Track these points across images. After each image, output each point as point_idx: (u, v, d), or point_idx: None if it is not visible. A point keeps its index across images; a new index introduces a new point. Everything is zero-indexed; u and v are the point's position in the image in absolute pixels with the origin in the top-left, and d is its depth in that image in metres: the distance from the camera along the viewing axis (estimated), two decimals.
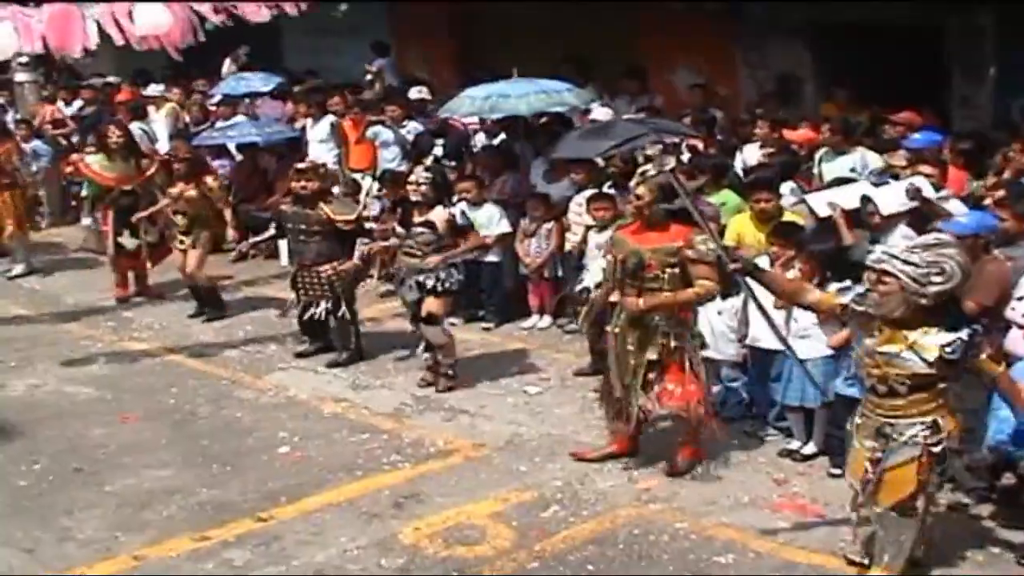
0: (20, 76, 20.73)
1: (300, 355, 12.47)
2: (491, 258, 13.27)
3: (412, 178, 11.64)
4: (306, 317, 12.21)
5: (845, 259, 9.42)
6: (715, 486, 9.20)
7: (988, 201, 10.28)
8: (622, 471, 9.47)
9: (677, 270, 9.05)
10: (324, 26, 19.80)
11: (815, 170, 12.76)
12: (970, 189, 11.19)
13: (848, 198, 10.45)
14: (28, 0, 14.25)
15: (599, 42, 17.92)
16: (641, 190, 9.14)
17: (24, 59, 19.12)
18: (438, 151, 15.23)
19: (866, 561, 7.50)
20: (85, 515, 9.01)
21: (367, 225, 12.37)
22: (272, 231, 12.87)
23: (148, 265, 14.88)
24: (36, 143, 18.34)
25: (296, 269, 12.25)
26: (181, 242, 13.88)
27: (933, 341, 7.01)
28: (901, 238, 9.63)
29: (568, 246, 12.81)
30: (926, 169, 10.64)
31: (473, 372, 11.76)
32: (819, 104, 16.16)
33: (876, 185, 10.73)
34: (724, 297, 9.60)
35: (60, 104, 20.63)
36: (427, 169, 12.17)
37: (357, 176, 15.94)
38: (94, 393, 11.70)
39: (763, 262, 9.73)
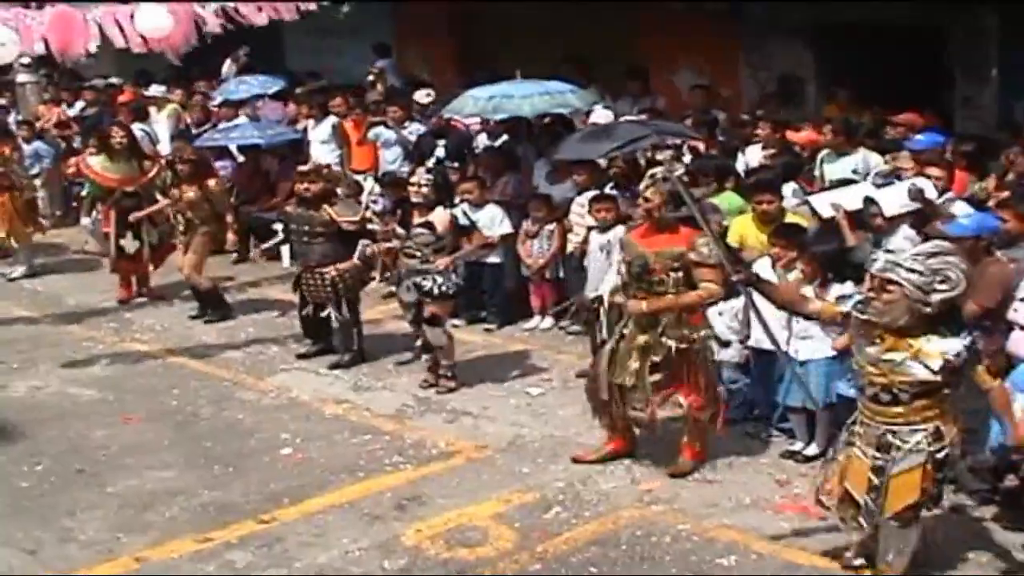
0: (22, 77, 20.73)
1: (302, 356, 12.47)
2: (493, 259, 13.26)
3: (413, 179, 11.66)
4: (319, 315, 12.22)
5: (847, 260, 9.42)
6: (717, 487, 9.20)
7: (991, 203, 10.28)
8: (624, 472, 9.47)
9: (681, 274, 9.05)
10: (325, 27, 19.78)
11: (817, 171, 12.75)
12: (972, 191, 11.18)
13: (851, 199, 10.46)
14: (30, 2, 14.27)
15: (599, 42, 17.92)
16: (650, 193, 9.15)
17: (26, 60, 19.09)
18: (440, 152, 15.21)
19: (862, 561, 7.53)
20: (87, 516, 9.01)
21: (370, 226, 12.34)
22: (281, 235, 12.87)
23: (150, 267, 14.87)
24: (38, 144, 18.31)
25: (300, 271, 12.25)
26: (183, 243, 13.87)
27: (936, 348, 7.02)
28: (903, 239, 9.64)
29: (570, 247, 12.81)
30: (934, 171, 10.63)
31: (475, 373, 11.75)
32: (821, 105, 16.16)
33: (879, 186, 10.72)
34: (725, 299, 9.60)
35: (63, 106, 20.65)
36: (428, 171, 12.19)
37: (359, 177, 15.92)
38: (96, 394, 11.70)
39: (765, 263, 9.78)
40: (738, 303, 9.75)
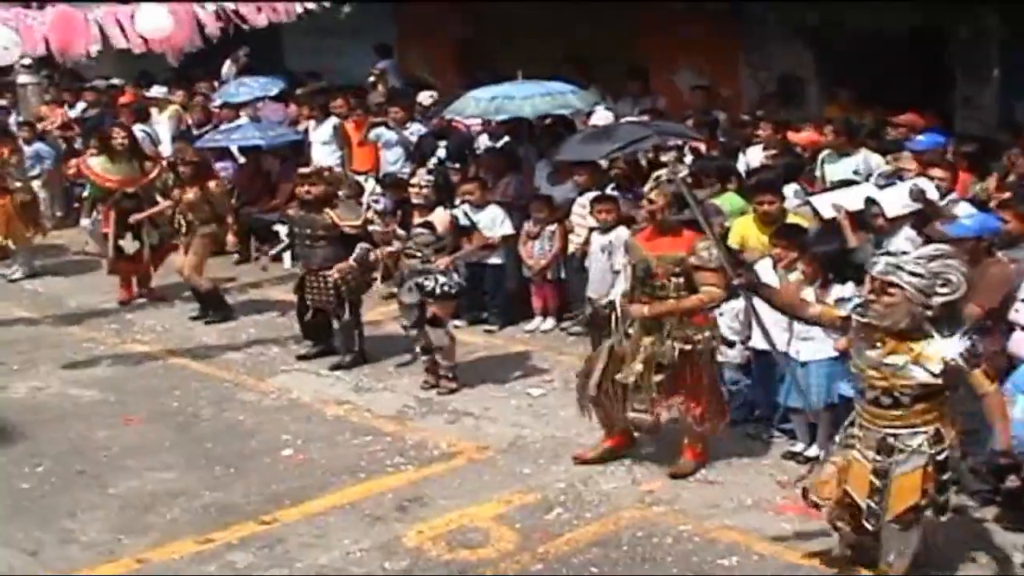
0: (23, 78, 20.74)
1: (302, 358, 12.46)
2: (494, 260, 13.26)
3: (414, 180, 11.66)
4: (318, 318, 12.23)
5: (849, 261, 9.42)
6: (719, 488, 9.20)
7: (992, 203, 10.28)
8: (625, 473, 9.47)
9: (682, 279, 9.05)
10: (326, 28, 19.78)
11: (818, 172, 12.74)
12: (973, 191, 11.18)
13: (852, 200, 10.45)
14: (31, 1, 14.25)
15: (600, 43, 17.91)
16: (654, 195, 9.14)
17: (27, 61, 19.08)
18: (441, 153, 15.21)
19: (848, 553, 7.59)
20: (88, 517, 9.01)
21: (371, 227, 12.32)
22: (286, 239, 12.88)
23: (151, 268, 14.86)
24: (39, 145, 18.30)
25: (303, 274, 12.25)
26: (184, 244, 13.87)
27: (937, 351, 7.02)
28: (905, 240, 9.64)
29: (571, 248, 12.81)
30: (937, 173, 10.61)
31: (476, 374, 11.75)
32: (822, 105, 16.15)
33: (882, 187, 10.72)
34: (726, 300, 9.59)
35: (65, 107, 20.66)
36: (429, 172, 12.19)
37: (360, 178, 15.92)
38: (97, 395, 11.69)
39: (767, 264, 9.78)
40: (739, 304, 9.74)
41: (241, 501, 9.23)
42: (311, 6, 14.37)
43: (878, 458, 7.23)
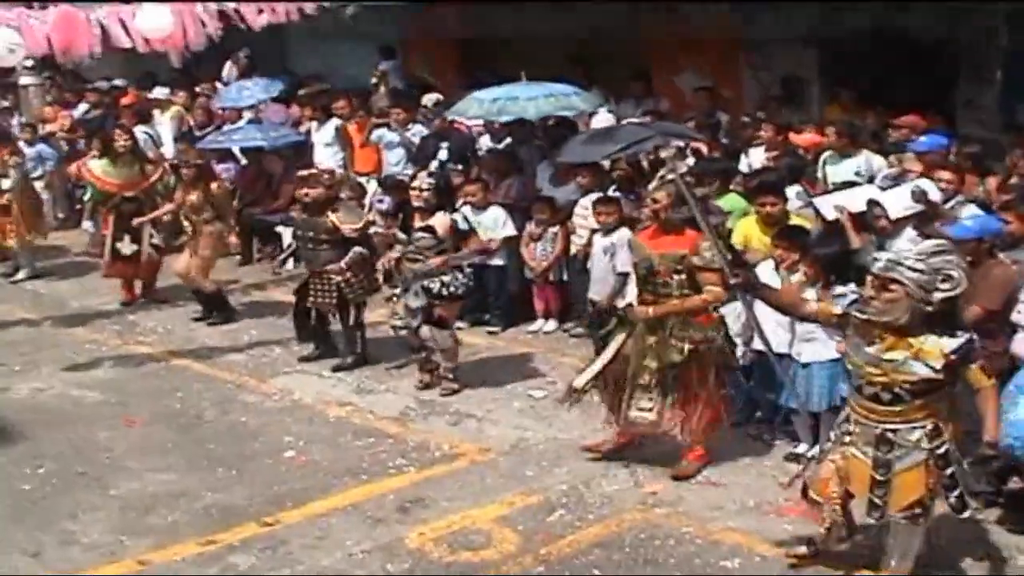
0: (25, 80, 20.74)
1: (304, 359, 12.46)
2: (496, 262, 13.27)
3: (415, 183, 11.65)
4: (311, 319, 12.22)
5: (851, 262, 9.41)
6: (721, 490, 9.19)
7: (994, 205, 10.27)
8: (628, 475, 9.47)
9: (684, 276, 9.07)
10: (329, 29, 19.80)
11: (819, 173, 12.74)
12: (975, 193, 11.17)
13: (855, 201, 10.45)
14: (33, 1, 14.26)
15: (602, 44, 17.90)
16: (659, 195, 9.15)
17: (29, 63, 19.11)
18: (443, 154, 15.21)
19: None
20: (89, 519, 8.99)
21: (373, 229, 12.30)
22: (292, 242, 12.87)
23: (155, 270, 14.85)
24: (41, 147, 18.32)
25: (307, 277, 12.26)
26: (190, 247, 13.85)
27: (937, 346, 7.01)
28: (907, 242, 9.63)
29: (573, 249, 12.80)
30: (944, 175, 10.58)
31: (478, 376, 11.75)
32: (823, 106, 16.15)
33: (886, 188, 10.71)
34: (729, 301, 9.59)
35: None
36: (430, 174, 12.17)
37: (362, 180, 15.92)
38: (99, 397, 11.69)
39: (769, 265, 9.77)
40: (741, 306, 9.74)
41: (243, 503, 9.22)
42: (310, 7, 14.38)
43: (877, 452, 7.23)
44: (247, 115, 18.07)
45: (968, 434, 7.59)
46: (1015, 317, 8.73)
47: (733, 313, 9.82)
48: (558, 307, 13.42)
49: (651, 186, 9.35)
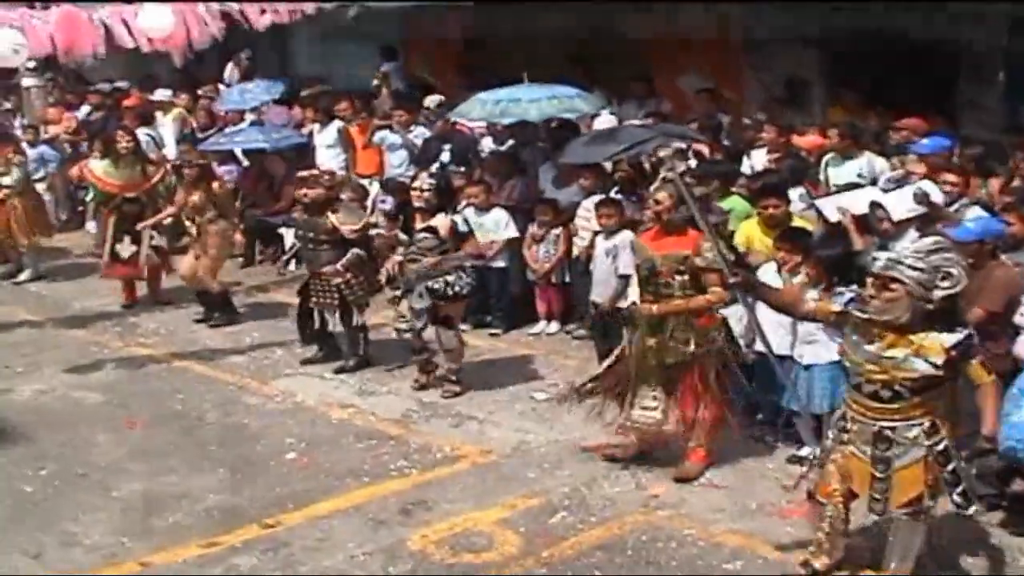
0: (27, 81, 20.74)
1: (307, 362, 12.45)
2: (499, 264, 13.27)
3: (416, 184, 11.65)
4: (317, 326, 12.23)
5: (854, 264, 9.41)
6: (723, 492, 9.19)
7: (996, 207, 10.26)
8: (630, 477, 9.46)
9: (687, 277, 9.08)
10: (331, 31, 19.81)
11: (822, 175, 12.73)
12: (978, 195, 11.15)
13: (858, 203, 10.44)
14: (35, 1, 14.26)
15: (604, 46, 17.89)
16: (661, 195, 9.16)
17: (31, 64, 19.11)
18: (445, 156, 15.21)
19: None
20: (91, 520, 8.99)
21: (376, 231, 12.28)
22: (295, 242, 12.86)
23: (158, 272, 14.85)
24: (44, 149, 18.34)
25: (308, 277, 12.26)
26: (196, 248, 13.83)
27: (938, 342, 7.01)
28: (910, 243, 9.62)
29: (576, 251, 12.79)
30: (951, 178, 10.56)
31: (480, 378, 11.75)
32: (826, 108, 16.14)
33: (889, 191, 10.71)
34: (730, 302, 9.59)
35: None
36: (431, 175, 12.17)
37: (364, 182, 15.92)
38: (100, 398, 11.68)
39: (771, 267, 9.76)
40: (742, 307, 9.75)
41: (245, 504, 9.21)
42: (311, 8, 14.39)
43: (876, 450, 7.22)
44: (249, 117, 18.06)
45: (971, 436, 7.60)
46: (1017, 319, 8.73)
47: (736, 315, 9.82)
48: (560, 309, 13.42)
49: (652, 187, 9.35)
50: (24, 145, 17.31)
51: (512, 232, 13.16)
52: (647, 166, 13.31)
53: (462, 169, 14.47)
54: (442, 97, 16.82)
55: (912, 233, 9.81)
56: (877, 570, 7.60)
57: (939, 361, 7.01)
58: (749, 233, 10.74)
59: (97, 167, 14.82)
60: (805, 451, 9.51)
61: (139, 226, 14.34)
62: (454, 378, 11.47)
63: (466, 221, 11.67)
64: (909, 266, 7.00)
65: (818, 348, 9.23)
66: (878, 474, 7.25)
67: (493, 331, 13.41)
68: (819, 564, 7.63)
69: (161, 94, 19.87)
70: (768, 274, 9.69)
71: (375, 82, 19.94)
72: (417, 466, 9.89)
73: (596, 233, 12.02)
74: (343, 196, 12.40)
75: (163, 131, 18.48)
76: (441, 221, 11.28)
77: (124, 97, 20.77)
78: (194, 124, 18.70)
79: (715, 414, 9.32)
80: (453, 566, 8.21)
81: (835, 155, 12.76)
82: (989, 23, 14.94)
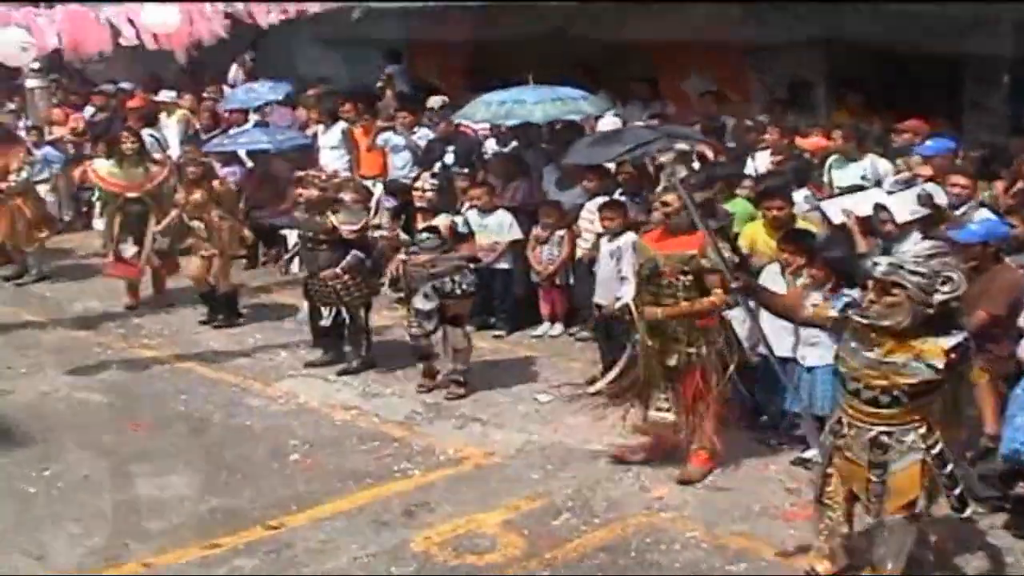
0: (31, 82, 20.74)
1: (310, 364, 12.44)
2: (502, 265, 13.26)
3: (418, 184, 11.66)
4: (321, 323, 12.23)
5: (859, 266, 9.40)
6: (727, 495, 9.18)
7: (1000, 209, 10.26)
8: (633, 479, 9.46)
9: (691, 278, 9.07)
10: (335, 32, 19.80)
11: (825, 177, 12.72)
12: (981, 197, 11.14)
13: (862, 205, 10.43)
14: (40, 1, 14.28)
15: (608, 47, 17.88)
16: (669, 197, 9.13)
17: (35, 65, 19.13)
18: (449, 158, 15.20)
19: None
20: (94, 522, 8.97)
21: (377, 234, 12.26)
22: (298, 242, 12.88)
23: (162, 274, 14.86)
24: (47, 149, 18.35)
25: (307, 277, 12.27)
26: (206, 249, 13.82)
27: (938, 345, 7.00)
28: (913, 245, 9.61)
29: (579, 253, 12.79)
30: (960, 180, 10.53)
31: (484, 380, 11.74)
32: (830, 109, 16.12)
33: (891, 192, 10.70)
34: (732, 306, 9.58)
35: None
36: (433, 175, 12.17)
37: (368, 183, 15.92)
38: (104, 400, 11.68)
39: (775, 269, 9.76)
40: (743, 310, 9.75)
41: (248, 506, 9.21)
42: (315, 7, 14.40)
43: (872, 455, 7.22)
44: (253, 118, 18.06)
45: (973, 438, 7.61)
46: (1021, 322, 8.71)
47: (739, 318, 9.81)
48: (564, 311, 13.41)
49: (659, 189, 9.32)
50: (30, 146, 17.31)
51: (516, 234, 13.16)
52: (650, 168, 13.31)
53: (465, 171, 14.45)
54: (445, 98, 16.81)
55: (916, 235, 9.81)
56: (869, 569, 7.57)
57: (940, 365, 7.01)
58: (753, 235, 10.74)
59: (101, 167, 14.84)
60: (809, 453, 9.51)
61: (151, 230, 14.35)
62: (461, 379, 11.46)
63: (467, 223, 11.66)
64: (910, 271, 6.99)
65: (821, 350, 9.22)
66: (874, 479, 7.24)
67: (496, 333, 13.40)
68: (822, 569, 7.63)
69: (165, 95, 19.87)
70: (772, 276, 9.68)
71: (379, 84, 19.94)
72: (420, 468, 9.88)
73: (599, 235, 12.01)
74: (345, 197, 12.37)
75: (167, 132, 18.49)
76: (442, 221, 11.28)
77: (128, 98, 20.78)
78: (198, 125, 18.69)
79: (717, 415, 9.31)
80: (456, 568, 8.21)
81: (839, 157, 12.75)
82: (994, 26, 14.92)
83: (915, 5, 14.66)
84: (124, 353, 13.16)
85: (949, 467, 7.21)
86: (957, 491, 7.24)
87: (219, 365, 12.66)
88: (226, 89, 20.37)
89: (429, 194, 11.36)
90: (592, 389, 9.78)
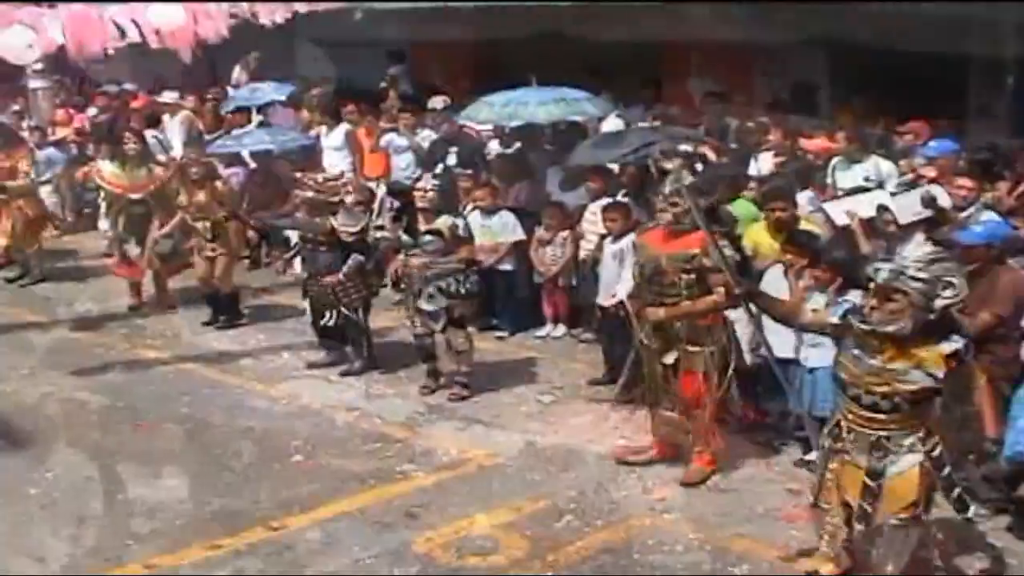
0: (34, 83, 20.74)
1: (313, 365, 12.43)
2: (505, 266, 13.25)
3: (420, 185, 11.66)
4: (322, 323, 12.23)
5: (861, 268, 9.38)
6: (730, 497, 9.17)
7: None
8: (636, 481, 9.45)
9: (693, 276, 9.05)
10: (338, 33, 19.79)
11: (829, 179, 12.71)
12: (984, 199, 11.12)
13: (865, 206, 10.42)
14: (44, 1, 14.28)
15: (612, 49, 17.87)
16: (680, 199, 9.08)
17: (39, 66, 19.13)
18: (452, 159, 15.19)
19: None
20: (96, 523, 8.97)
21: (379, 235, 12.24)
22: (299, 243, 12.89)
23: (165, 276, 14.86)
24: (50, 150, 18.34)
25: (307, 278, 12.27)
26: (212, 250, 13.82)
27: (936, 353, 7.00)
28: (916, 247, 9.59)
29: (582, 254, 12.77)
30: (966, 183, 10.51)
31: (487, 381, 11.73)
32: (834, 111, 16.10)
33: (893, 194, 10.69)
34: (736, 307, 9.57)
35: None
36: (434, 176, 12.17)
37: (371, 184, 15.91)
38: (106, 401, 11.66)
39: (778, 270, 9.74)
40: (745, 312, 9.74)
41: (250, 507, 9.21)
42: (320, 7, 14.41)
43: (871, 459, 7.21)
44: (256, 119, 18.06)
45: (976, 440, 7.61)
46: None
47: (744, 320, 9.81)
48: (567, 312, 13.39)
49: (666, 190, 9.28)
50: (32, 147, 17.33)
51: (519, 235, 13.15)
52: (652, 169, 13.29)
53: (468, 172, 14.44)
54: (446, 98, 16.80)
55: (918, 236, 9.79)
56: (869, 570, 7.57)
57: (940, 373, 7.00)
58: (756, 237, 10.71)
59: (105, 169, 14.84)
60: (812, 455, 9.50)
61: (158, 233, 14.35)
62: (464, 381, 11.45)
63: (467, 226, 11.65)
64: (912, 277, 6.98)
65: (823, 351, 9.17)
66: (871, 484, 7.23)
67: (499, 334, 13.39)
68: (825, 571, 7.62)
69: (168, 96, 19.86)
70: (775, 278, 9.67)
71: (382, 84, 19.93)
72: (423, 469, 9.88)
73: (603, 236, 12.00)
74: (345, 199, 12.37)
75: (170, 133, 18.48)
76: (443, 223, 11.27)
77: (131, 99, 20.78)
78: (201, 127, 18.68)
79: (717, 416, 9.30)
80: (459, 569, 8.21)
81: (842, 159, 12.73)
82: (998, 28, 14.91)
83: (918, 6, 14.65)
84: (127, 354, 13.16)
85: (947, 470, 7.21)
86: (956, 493, 7.25)
87: (222, 366, 12.66)
88: (229, 90, 20.37)
89: (430, 195, 11.36)
90: (616, 393, 9.74)
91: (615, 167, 13.23)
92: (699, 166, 12.34)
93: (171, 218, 14.31)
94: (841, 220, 10.62)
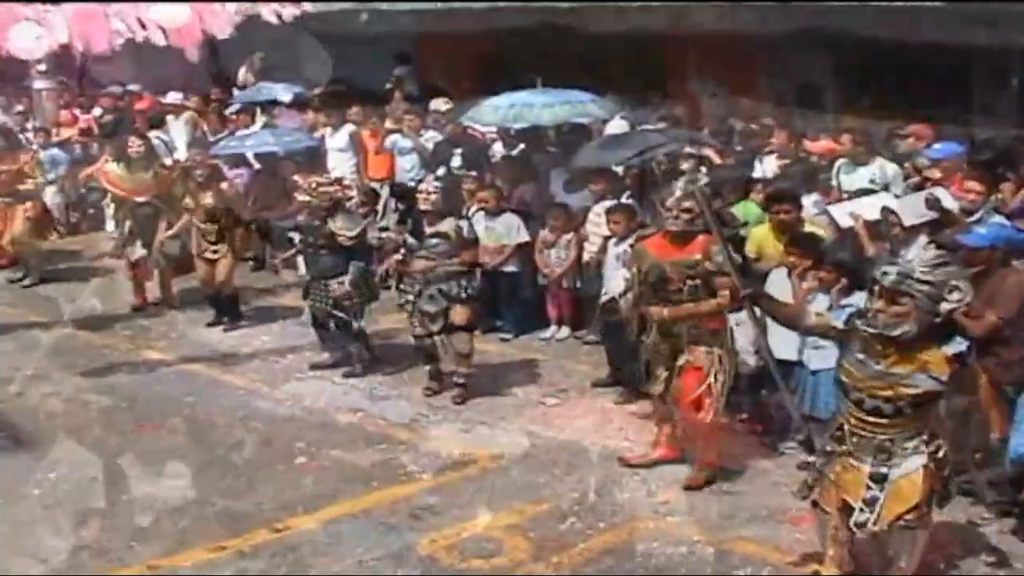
0: (38, 84, 20.74)
1: (316, 367, 12.43)
2: (509, 268, 13.24)
3: (422, 186, 11.66)
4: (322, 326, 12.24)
5: (866, 270, 9.38)
6: (733, 499, 9.16)
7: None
8: (639, 483, 9.44)
9: (698, 281, 9.04)
10: (343, 34, 19.79)
11: (834, 181, 12.70)
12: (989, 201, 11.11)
13: (869, 209, 10.42)
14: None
15: (616, 50, 17.88)
16: (690, 203, 9.05)
17: (43, 67, 19.14)
18: (456, 161, 15.19)
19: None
20: (99, 524, 8.96)
21: (384, 235, 12.24)
22: (300, 244, 12.88)
23: (166, 277, 14.87)
24: (54, 151, 18.35)
25: (308, 280, 12.27)
26: (215, 251, 13.82)
27: (940, 356, 7.00)
28: (920, 249, 9.58)
29: (586, 256, 12.77)
30: (975, 186, 10.49)
31: (491, 383, 11.73)
32: (839, 113, 16.11)
33: (898, 196, 10.68)
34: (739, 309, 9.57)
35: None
36: (437, 178, 12.17)
37: (376, 185, 15.92)
38: (110, 402, 11.66)
39: (782, 272, 9.74)
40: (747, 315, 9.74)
41: (254, 508, 9.20)
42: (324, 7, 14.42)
43: (875, 463, 7.20)
44: (261, 120, 18.07)
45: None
46: None
47: (747, 322, 9.80)
48: (571, 314, 13.38)
49: (677, 195, 9.25)
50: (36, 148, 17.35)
51: (523, 237, 13.14)
52: (657, 172, 13.30)
53: (473, 173, 14.44)
54: (448, 100, 16.81)
55: (922, 238, 9.78)
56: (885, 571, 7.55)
57: (944, 377, 7.00)
58: (761, 239, 10.72)
59: (110, 171, 14.84)
60: (815, 458, 9.50)
61: (164, 236, 14.36)
62: (464, 381, 11.44)
63: (471, 228, 11.64)
64: (918, 280, 6.97)
65: (825, 353, 9.17)
66: (873, 487, 7.22)
67: (504, 335, 13.38)
68: (827, 574, 7.60)
69: (172, 97, 19.88)
70: (779, 279, 9.66)
71: (388, 86, 19.93)
72: (426, 471, 9.87)
73: (607, 238, 12.00)
74: (347, 202, 12.37)
75: (174, 134, 18.47)
76: (448, 225, 11.27)
77: (136, 100, 20.79)
78: (205, 128, 18.68)
79: (715, 416, 9.30)
80: (462, 571, 8.20)
81: (848, 161, 12.73)
82: (1003, 26, 14.89)
83: (921, 5, 14.64)
84: (131, 355, 13.17)
85: (946, 470, 7.22)
86: (947, 488, 7.30)
87: (225, 368, 12.66)
88: (235, 91, 20.39)
89: (433, 196, 11.36)
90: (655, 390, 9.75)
91: (619, 169, 13.23)
92: (703, 169, 12.43)
93: (178, 220, 14.32)
94: (845, 222, 10.61)
